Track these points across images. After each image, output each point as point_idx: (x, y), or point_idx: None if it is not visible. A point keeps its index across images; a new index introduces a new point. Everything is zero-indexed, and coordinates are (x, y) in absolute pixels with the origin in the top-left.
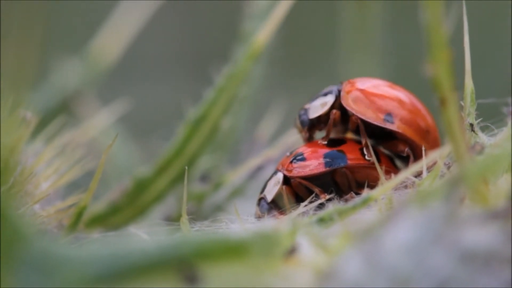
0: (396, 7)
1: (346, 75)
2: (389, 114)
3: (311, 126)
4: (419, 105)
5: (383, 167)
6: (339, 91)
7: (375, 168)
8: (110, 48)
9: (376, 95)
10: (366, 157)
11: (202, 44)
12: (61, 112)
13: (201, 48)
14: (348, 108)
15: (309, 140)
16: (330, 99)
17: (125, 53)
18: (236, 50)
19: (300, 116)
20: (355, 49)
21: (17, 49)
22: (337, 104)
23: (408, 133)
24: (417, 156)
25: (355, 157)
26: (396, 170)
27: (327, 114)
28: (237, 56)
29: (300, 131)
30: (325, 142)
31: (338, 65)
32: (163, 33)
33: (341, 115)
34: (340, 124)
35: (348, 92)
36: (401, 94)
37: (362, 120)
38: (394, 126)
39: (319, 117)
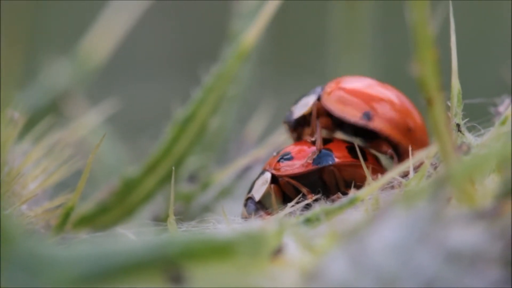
0: (385, 7)
1: (335, 74)
2: (367, 112)
3: (297, 126)
4: (405, 103)
5: (370, 166)
6: (319, 93)
7: (362, 167)
8: (99, 48)
9: (355, 93)
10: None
11: (191, 44)
12: (49, 112)
13: (190, 48)
14: (326, 107)
15: (298, 140)
16: (311, 99)
17: (114, 53)
18: (225, 49)
19: (286, 117)
20: (344, 49)
21: (5, 49)
22: (320, 104)
23: (388, 131)
24: (404, 156)
25: (342, 155)
26: (382, 168)
27: (310, 114)
28: (226, 55)
29: (289, 132)
30: (312, 140)
31: (327, 65)
32: (152, 33)
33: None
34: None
35: (327, 92)
36: (386, 91)
37: (342, 119)
38: (372, 124)
39: (304, 117)
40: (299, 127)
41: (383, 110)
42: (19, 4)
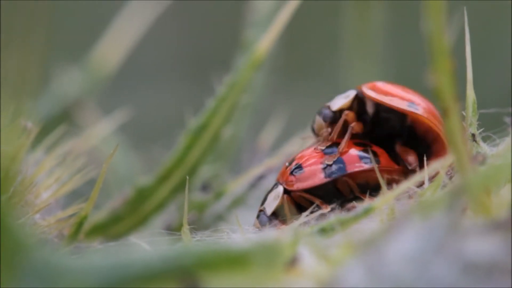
0: (398, 14)
1: (347, 82)
2: (411, 102)
3: (334, 121)
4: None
5: (384, 170)
6: (358, 91)
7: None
8: (111, 56)
9: (396, 88)
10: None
11: (204, 53)
12: (62, 121)
13: (203, 56)
14: (372, 98)
15: (330, 138)
16: (352, 93)
17: (126, 61)
18: (238, 58)
19: (321, 112)
20: (356, 56)
21: (18, 58)
22: (356, 104)
23: (432, 119)
24: (436, 155)
25: (354, 164)
26: (397, 166)
27: (349, 108)
28: (239, 64)
29: (319, 130)
30: (323, 148)
31: (339, 73)
32: (165, 41)
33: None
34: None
35: (370, 86)
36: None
37: (383, 114)
38: (419, 111)
39: (341, 112)
40: (334, 122)
41: (422, 102)
42: (32, 13)
